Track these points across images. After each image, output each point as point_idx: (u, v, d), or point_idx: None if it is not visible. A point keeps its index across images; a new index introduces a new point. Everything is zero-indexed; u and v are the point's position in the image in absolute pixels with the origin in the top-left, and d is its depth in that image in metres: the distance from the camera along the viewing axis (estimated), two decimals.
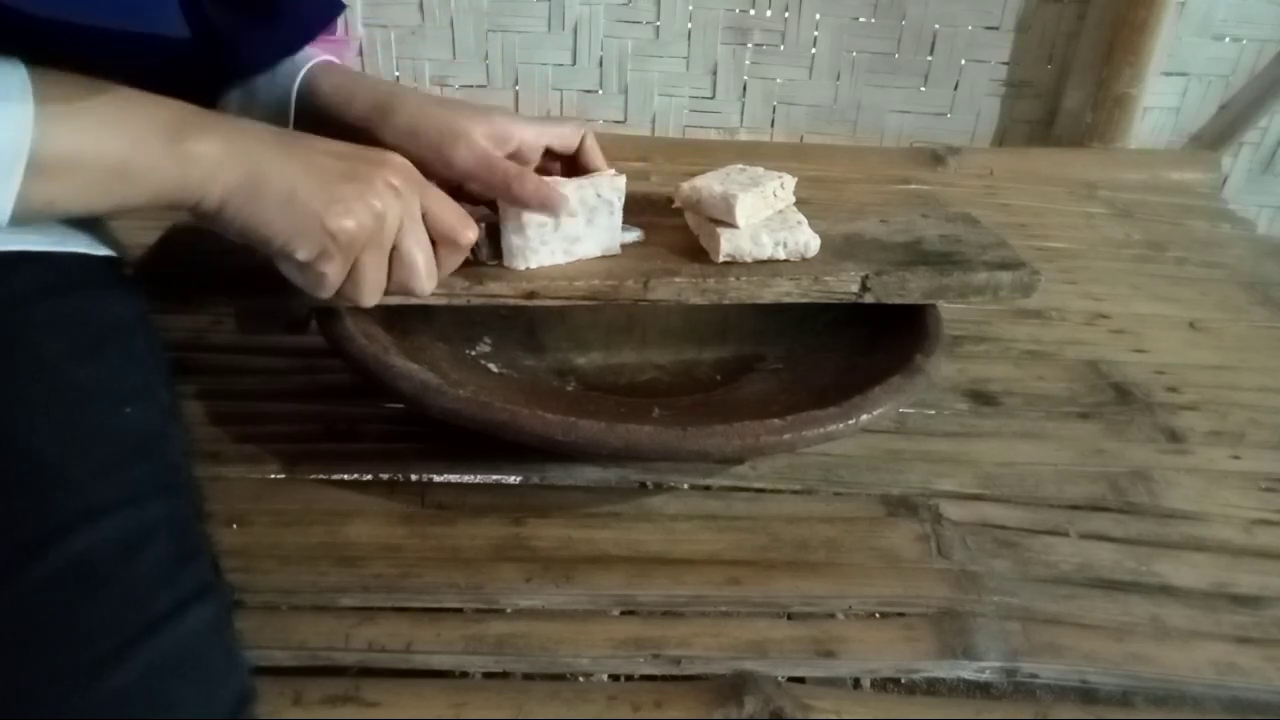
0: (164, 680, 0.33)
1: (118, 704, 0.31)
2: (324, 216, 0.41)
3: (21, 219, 0.35)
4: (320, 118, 0.51)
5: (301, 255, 0.42)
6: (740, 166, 0.60)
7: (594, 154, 0.56)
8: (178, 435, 0.43)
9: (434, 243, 0.48)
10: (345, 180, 0.42)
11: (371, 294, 0.46)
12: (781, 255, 0.57)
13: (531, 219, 0.53)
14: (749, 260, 0.57)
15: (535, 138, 0.53)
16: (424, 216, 0.46)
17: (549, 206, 0.52)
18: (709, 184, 0.57)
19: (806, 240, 0.57)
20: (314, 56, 0.51)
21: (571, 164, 0.57)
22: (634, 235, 0.59)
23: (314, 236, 0.42)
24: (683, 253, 0.58)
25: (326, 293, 0.45)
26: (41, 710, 0.31)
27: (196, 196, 0.39)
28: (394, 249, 0.46)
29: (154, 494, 0.37)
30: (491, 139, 0.51)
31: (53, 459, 0.36)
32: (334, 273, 0.44)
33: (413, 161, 0.49)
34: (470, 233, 0.49)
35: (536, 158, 0.55)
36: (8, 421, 0.36)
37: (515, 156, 0.53)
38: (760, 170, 0.60)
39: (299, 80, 0.51)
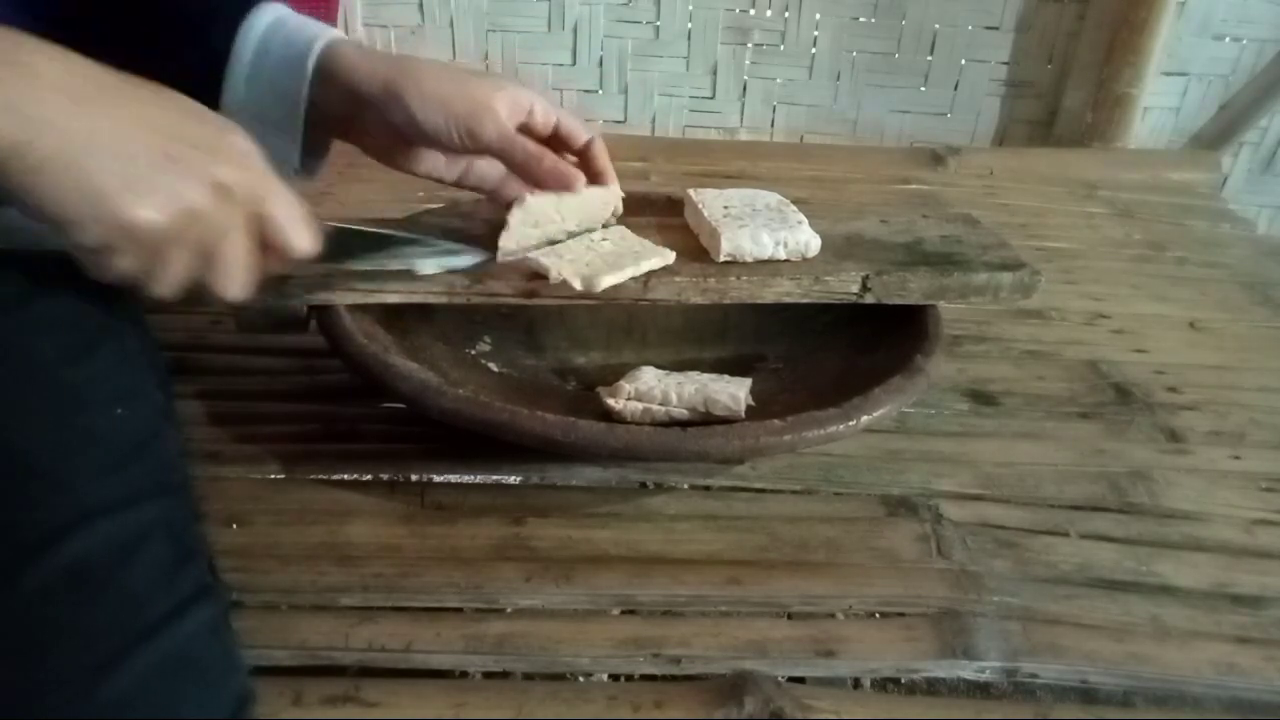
0: (163, 683, 0.33)
1: (117, 708, 0.31)
2: (116, 202, 0.33)
3: None
4: (338, 95, 0.50)
5: (85, 242, 0.35)
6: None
7: (600, 160, 0.56)
8: (173, 436, 0.43)
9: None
10: (162, 161, 0.35)
11: (167, 290, 0.38)
12: (782, 255, 0.57)
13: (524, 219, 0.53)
14: (749, 260, 0.57)
15: (546, 111, 0.54)
16: (260, 218, 0.39)
17: (565, 184, 0.53)
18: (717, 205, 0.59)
19: (807, 240, 0.57)
20: (320, 35, 0.49)
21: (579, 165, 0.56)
22: (470, 259, 0.54)
23: (101, 224, 0.34)
24: (683, 252, 0.58)
25: (110, 280, 0.37)
26: (42, 716, 0.30)
27: None
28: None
29: (150, 495, 0.37)
30: (510, 109, 0.52)
31: (46, 462, 0.36)
32: (124, 268, 0.36)
33: (437, 133, 0.49)
34: (305, 245, 0.41)
35: (546, 133, 0.55)
36: (0, 424, 0.36)
37: (527, 127, 0.53)
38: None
39: (314, 57, 0.48)
